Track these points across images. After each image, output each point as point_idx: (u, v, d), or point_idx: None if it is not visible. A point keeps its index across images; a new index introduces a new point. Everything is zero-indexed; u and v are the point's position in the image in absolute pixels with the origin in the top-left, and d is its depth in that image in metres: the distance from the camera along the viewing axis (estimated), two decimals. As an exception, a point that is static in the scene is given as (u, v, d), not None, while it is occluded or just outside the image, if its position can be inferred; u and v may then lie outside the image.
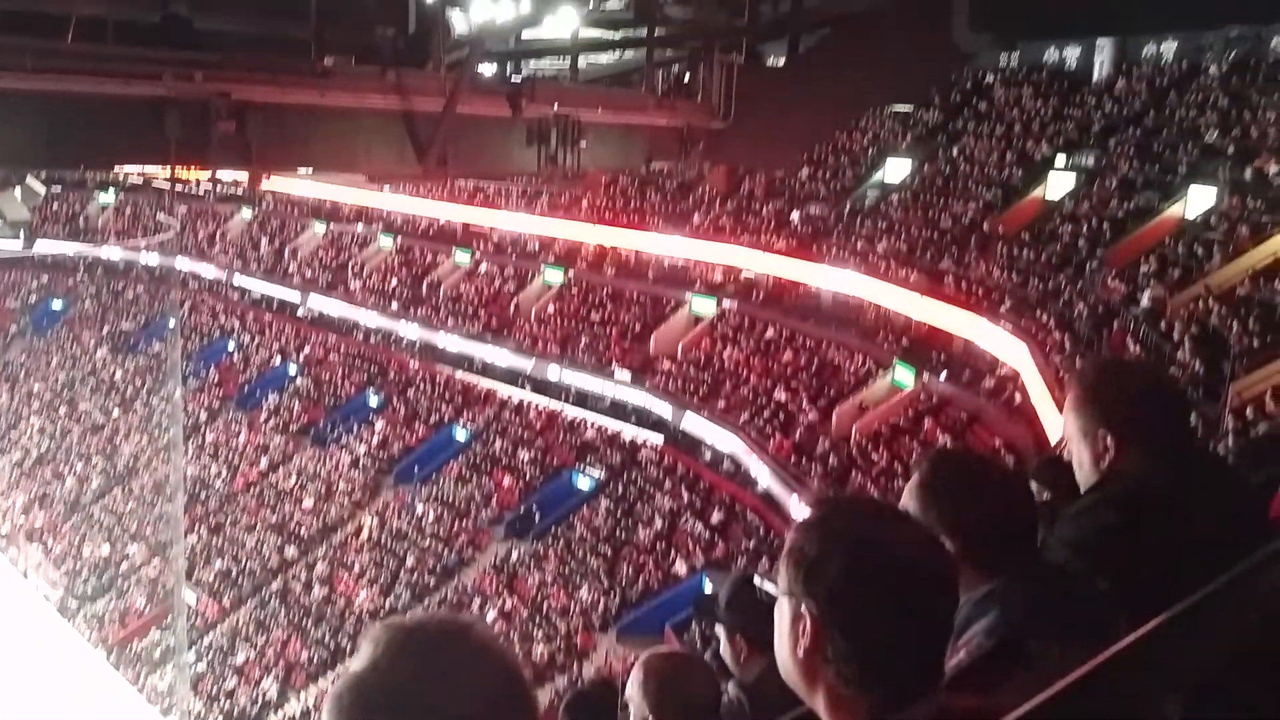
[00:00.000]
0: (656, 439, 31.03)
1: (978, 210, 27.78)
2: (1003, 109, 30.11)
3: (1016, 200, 27.20)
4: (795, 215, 31.99)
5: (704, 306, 33.45)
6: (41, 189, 12.30)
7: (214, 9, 8.07)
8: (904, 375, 26.22)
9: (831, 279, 29.21)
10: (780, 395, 29.01)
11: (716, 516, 27.51)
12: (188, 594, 31.05)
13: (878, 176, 31.31)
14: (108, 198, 51.63)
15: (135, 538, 36.18)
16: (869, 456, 25.16)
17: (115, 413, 43.63)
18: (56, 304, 51.09)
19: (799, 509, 23.08)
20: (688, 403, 30.70)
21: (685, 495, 28.91)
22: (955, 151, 30.05)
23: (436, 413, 37.15)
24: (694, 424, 30.01)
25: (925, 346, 26.53)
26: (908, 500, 2.04)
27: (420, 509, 33.10)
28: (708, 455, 29.48)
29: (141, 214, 51.78)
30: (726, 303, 32.97)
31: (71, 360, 47.68)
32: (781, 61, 10.04)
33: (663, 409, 31.12)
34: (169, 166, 7.58)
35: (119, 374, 45.90)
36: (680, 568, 26.56)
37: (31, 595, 33.73)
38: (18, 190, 11.54)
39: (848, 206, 31.21)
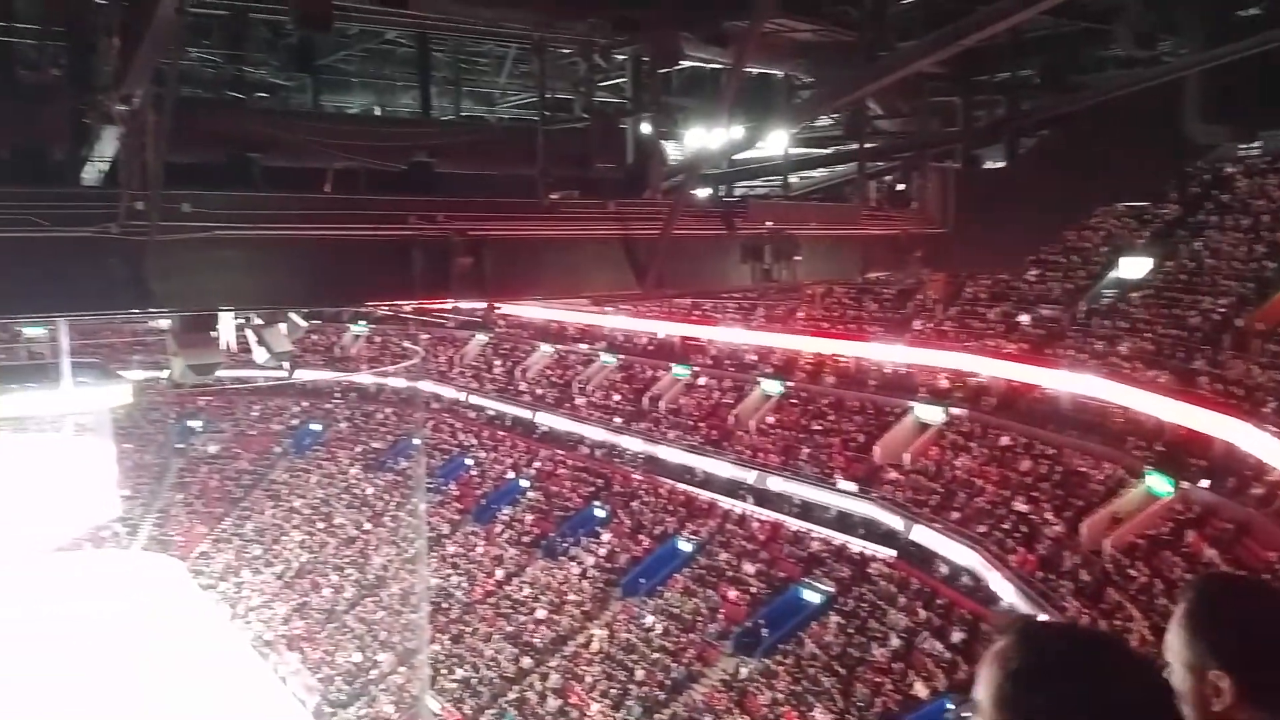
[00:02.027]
0: (887, 552, 29.87)
1: (1229, 305, 25.74)
2: (1247, 200, 28.05)
3: (1272, 293, 24.99)
4: (1025, 318, 30.67)
5: (930, 414, 32.32)
6: (303, 323, 13.48)
7: (452, 156, 8.75)
8: (1159, 483, 24.17)
9: (1070, 382, 27.60)
10: (1021, 506, 27.36)
11: (957, 635, 25.91)
12: (431, 702, 32.21)
13: (1114, 275, 29.64)
14: (359, 329, 56.51)
15: (384, 646, 38.10)
16: (1126, 572, 23.15)
17: (367, 526, 46.68)
18: (315, 426, 55.77)
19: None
20: (919, 514, 29.46)
21: (921, 612, 27.49)
22: (1198, 246, 28.16)
23: (660, 525, 37.44)
24: (927, 537, 28.68)
25: (1181, 452, 24.40)
26: (1173, 630, 1.86)
27: (648, 621, 33.14)
28: (944, 569, 28.02)
29: (389, 343, 56.24)
30: (955, 410, 31.73)
31: (328, 478, 51.66)
32: (1001, 164, 9.80)
33: (892, 521, 30.00)
34: (414, 301, 8.28)
35: (370, 490, 49.27)
36: (920, 690, 25.07)
37: (289, 701, 35.97)
38: (283, 325, 12.70)
39: (1083, 307, 29.64)
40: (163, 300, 7.19)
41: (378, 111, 11.55)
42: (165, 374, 12.51)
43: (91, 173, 6.46)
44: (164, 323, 12.29)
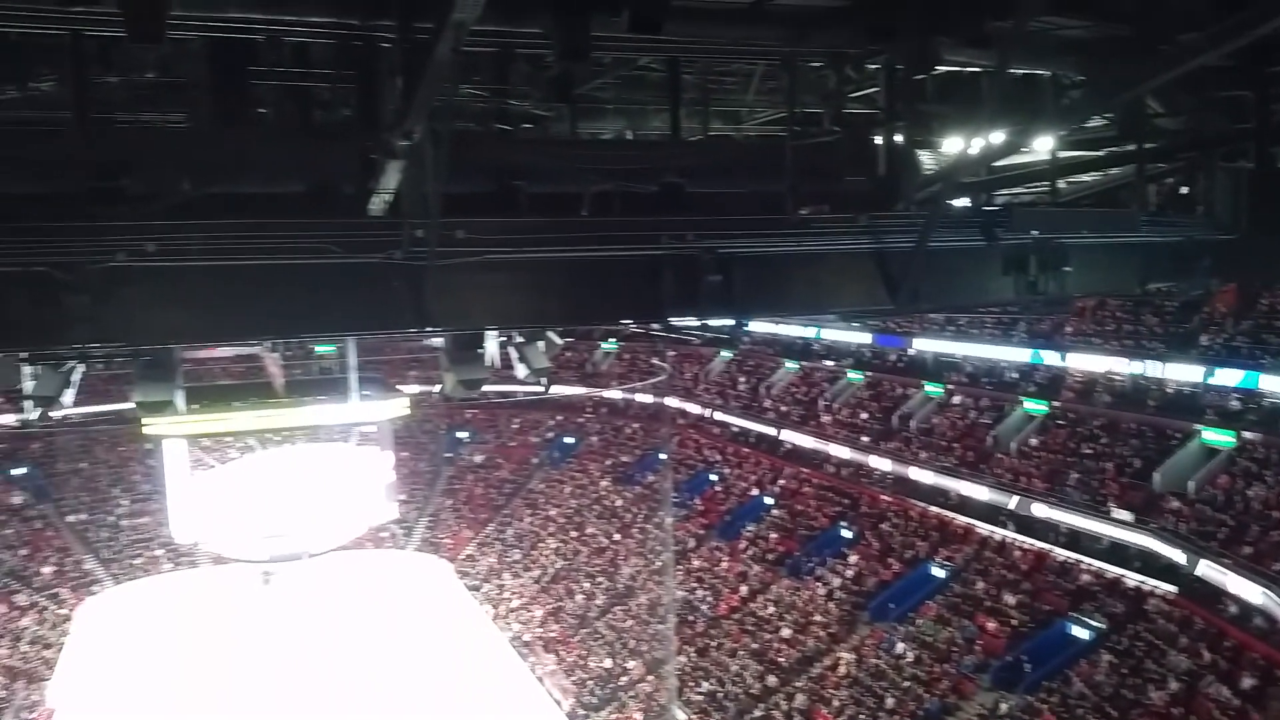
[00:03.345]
0: (1167, 588, 27.37)
1: None
2: None
3: None
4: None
5: (1219, 438, 29.35)
6: (559, 341, 14.13)
7: (701, 175, 8.86)
8: None
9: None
10: (1328, 542, 24.31)
11: (1248, 681, 23.32)
12: (679, 713, 32.64)
13: None
14: (610, 346, 58.43)
15: (633, 654, 39.00)
16: None
17: (616, 536, 48.07)
18: (569, 439, 58.06)
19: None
20: (1205, 547, 26.77)
21: (1206, 654, 24.95)
22: None
23: (911, 549, 36.15)
24: (1214, 572, 26.01)
25: None
26: None
27: (899, 648, 32.04)
28: (1233, 609, 25.32)
29: (637, 359, 57.79)
30: (1248, 434, 28.65)
31: (580, 489, 53.65)
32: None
33: (1174, 554, 27.43)
34: (663, 319, 8.45)
35: (619, 502, 50.74)
36: (1204, 742, 22.77)
37: (545, 701, 37.51)
38: (542, 343, 13.33)
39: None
40: (439, 320, 7.72)
41: (630, 135, 11.89)
42: (438, 388, 13.42)
43: (377, 204, 7.04)
44: (437, 341, 13.22)
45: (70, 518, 50.85)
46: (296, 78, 8.53)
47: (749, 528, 43.29)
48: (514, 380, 13.81)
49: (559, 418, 58.82)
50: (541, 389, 13.52)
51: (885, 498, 39.13)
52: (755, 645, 36.03)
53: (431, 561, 51.65)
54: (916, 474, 37.63)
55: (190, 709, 34.83)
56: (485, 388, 11.99)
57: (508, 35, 6.92)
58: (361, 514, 32.97)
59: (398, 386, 30.28)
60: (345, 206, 7.40)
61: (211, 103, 7.75)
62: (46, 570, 47.20)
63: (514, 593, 47.36)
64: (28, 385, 11.07)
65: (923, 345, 40.72)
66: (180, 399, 12.10)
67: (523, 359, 12.89)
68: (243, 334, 9.39)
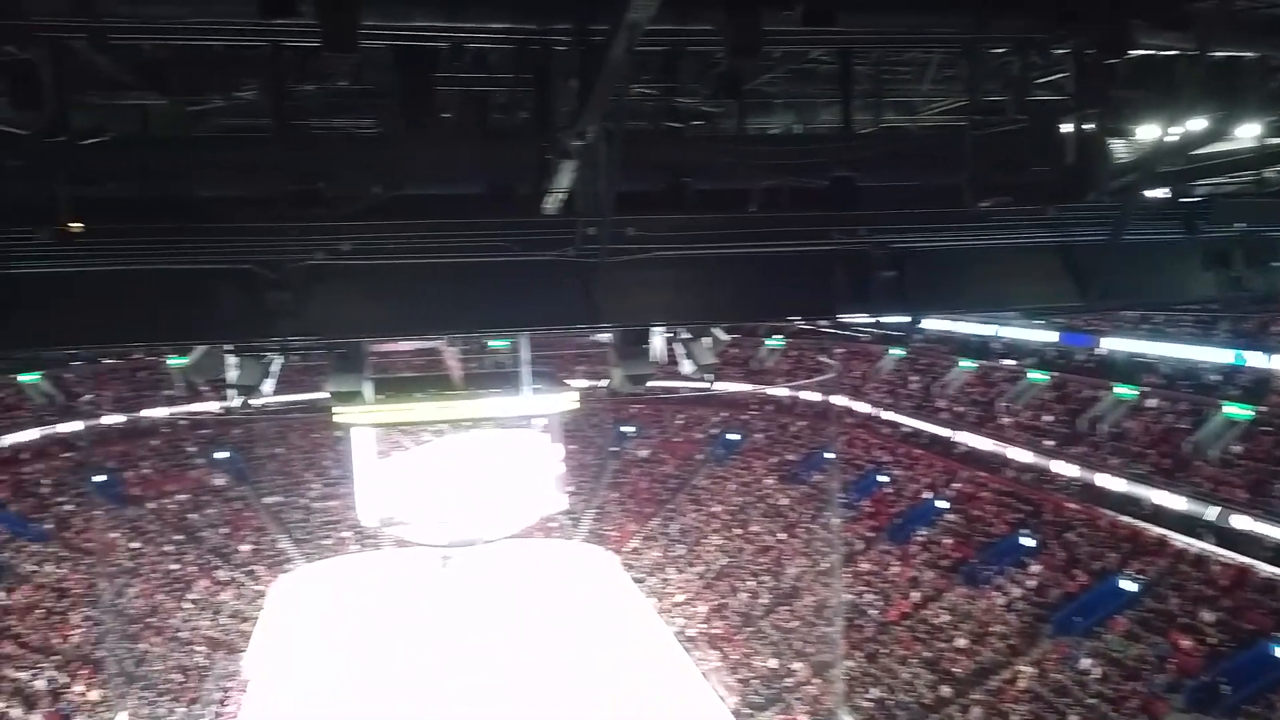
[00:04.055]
0: (1391, 612, 24.96)
1: None
2: None
3: None
4: None
5: None
6: (725, 337, 14.15)
7: (874, 168, 8.66)
8: None
9: None
10: None
11: None
12: (846, 718, 32.10)
13: None
14: (775, 343, 57.86)
15: (799, 655, 38.59)
16: None
17: (781, 535, 47.66)
18: (733, 436, 57.88)
19: None
20: None
21: None
22: None
23: (1099, 560, 34.29)
24: None
25: None
26: None
27: (1084, 664, 30.46)
28: None
29: (804, 356, 57.04)
30: None
31: (745, 486, 53.45)
32: None
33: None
34: (833, 316, 8.31)
35: (784, 500, 50.28)
36: None
37: (710, 697, 37.59)
38: (708, 340, 13.39)
39: None
40: (609, 316, 7.87)
41: (799, 130, 11.75)
42: (605, 383, 13.67)
43: (551, 203, 7.23)
44: (605, 337, 13.48)
45: (267, 499, 54.55)
46: (476, 83, 8.85)
47: (921, 532, 42.06)
48: (679, 376, 13.91)
49: (724, 414, 58.77)
50: (707, 385, 13.59)
51: (1071, 505, 37.24)
52: (928, 653, 34.99)
53: (598, 553, 52.63)
54: (1105, 481, 35.62)
55: (370, 682, 36.82)
56: (651, 383, 12.13)
57: (678, 33, 6.96)
58: (533, 504, 33.94)
59: (567, 381, 31.03)
60: (521, 206, 7.65)
61: (399, 109, 8.15)
62: (245, 548, 50.83)
63: (678, 587, 47.68)
64: (231, 375, 11.91)
65: (1113, 344, 38.44)
66: (368, 389, 12.78)
67: (689, 355, 12.97)
68: (427, 328, 9.84)
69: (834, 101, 10.36)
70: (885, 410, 49.45)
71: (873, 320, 47.21)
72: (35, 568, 42.34)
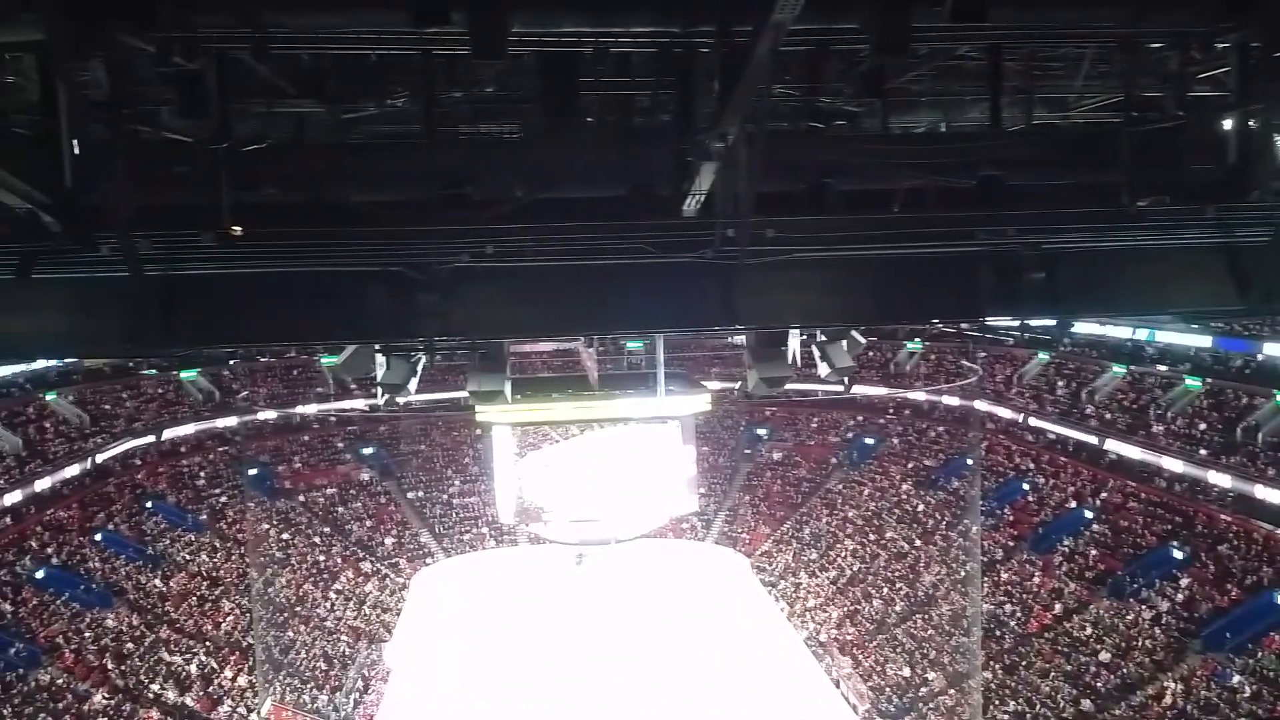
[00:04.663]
0: None
1: None
2: None
3: None
4: None
5: None
6: (862, 340, 13.89)
7: (1023, 167, 8.39)
8: None
9: None
10: None
11: None
12: (982, 731, 31.19)
13: None
14: (914, 346, 56.46)
15: (934, 665, 37.63)
16: None
17: (917, 543, 46.52)
18: (869, 440, 56.84)
19: None
20: None
21: None
22: None
23: (1253, 574, 32.32)
24: None
25: None
26: None
27: (1235, 681, 28.77)
28: None
29: (944, 360, 55.49)
30: None
31: (880, 491, 52.40)
32: None
33: None
34: (978, 319, 8.07)
35: (921, 507, 49.05)
36: None
37: (840, 704, 37.03)
38: (845, 342, 13.18)
39: None
40: (746, 318, 7.85)
41: (944, 128, 11.47)
42: (738, 385, 13.65)
43: (691, 205, 7.27)
44: (739, 339, 13.45)
45: (410, 494, 56.54)
46: (618, 86, 8.98)
47: (1065, 542, 40.40)
48: (815, 379, 13.75)
49: (859, 418, 57.78)
50: (843, 388, 13.39)
51: (1225, 517, 35.18)
52: (1069, 667, 33.62)
53: (729, 555, 52.51)
54: (1263, 493, 33.51)
55: (502, 675, 37.71)
56: (786, 386, 12.04)
57: (822, 32, 6.90)
58: (665, 504, 34.10)
59: (701, 382, 31.06)
60: (660, 208, 7.71)
61: (542, 113, 8.33)
62: (388, 541, 52.81)
63: (810, 592, 47.13)
64: (379, 373, 12.39)
65: (1275, 350, 36.08)
66: (508, 389, 13.07)
67: (825, 358, 12.79)
68: (568, 329, 10.04)
69: (982, 98, 10.08)
70: (1030, 416, 47.66)
71: (1019, 323, 45.63)
72: (190, 556, 44.95)
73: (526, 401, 23.41)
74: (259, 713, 35.29)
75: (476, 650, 40.39)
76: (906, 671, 38.10)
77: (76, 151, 5.93)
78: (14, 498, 39.09)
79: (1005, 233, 7.54)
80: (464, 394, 12.88)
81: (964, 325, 43.59)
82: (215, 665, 37.87)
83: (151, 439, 48.91)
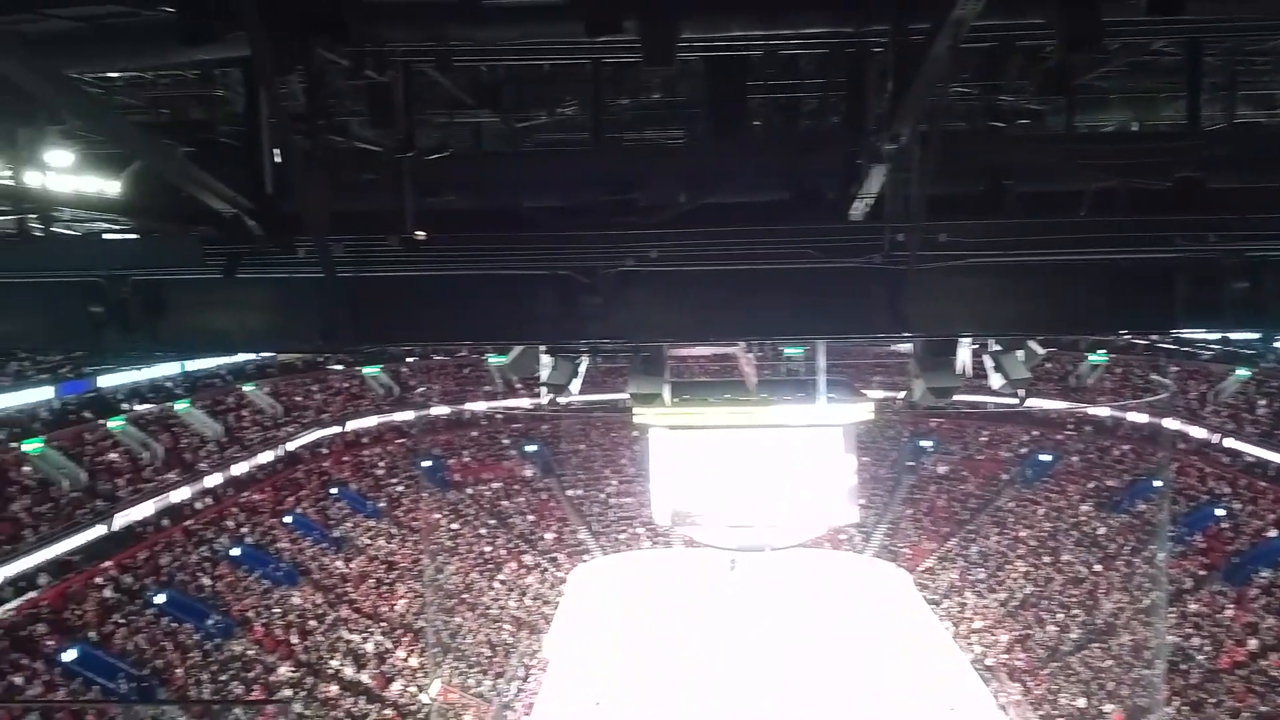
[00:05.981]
0: None
1: None
2: None
3: None
4: None
5: None
6: (1040, 351, 13.23)
7: (1226, 169, 7.80)
8: None
9: None
10: None
11: None
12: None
13: None
14: (1098, 358, 53.34)
15: (1112, 697, 35.52)
16: None
17: (1097, 567, 43.98)
18: (1045, 457, 54.05)
19: None
20: None
21: None
22: None
23: None
24: None
25: None
26: None
27: None
28: None
29: (1130, 374, 52.24)
30: None
31: (1056, 511, 49.79)
32: None
33: None
34: (1173, 331, 7.50)
35: (1102, 530, 46.35)
36: None
37: (1008, 732, 35.49)
38: (1021, 352, 12.58)
39: None
40: (916, 325, 7.61)
41: (1135, 127, 10.82)
42: (903, 394, 13.25)
43: (858, 209, 7.08)
44: (905, 347, 13.04)
45: (570, 492, 57.76)
46: (786, 89, 8.86)
47: (1264, 573, 37.34)
48: (987, 390, 13.20)
49: (1034, 433, 55.13)
50: (1017, 401, 12.79)
51: None
52: (1265, 708, 31.06)
53: (890, 570, 51.12)
54: None
55: (655, 674, 37.96)
56: (955, 397, 11.59)
57: (1005, 28, 6.60)
58: (824, 514, 33.52)
59: (863, 390, 30.36)
60: (826, 212, 7.55)
61: (709, 119, 8.31)
62: (549, 536, 54.11)
63: (977, 613, 45.29)
64: (544, 374, 12.68)
65: None
66: (667, 392, 13.14)
67: (998, 368, 12.25)
68: (729, 334, 9.99)
69: (1178, 96, 9.45)
70: (1226, 437, 44.29)
71: (1217, 336, 42.29)
72: (369, 541, 47.50)
73: (684, 405, 23.46)
74: (428, 692, 36.76)
75: (630, 648, 40.81)
76: (1081, 702, 36.07)
77: (277, 160, 6.31)
78: (215, 480, 42.32)
79: (1205, 239, 7.03)
80: (624, 396, 13.03)
81: (1154, 337, 40.91)
82: (389, 645, 39.82)
83: (337, 429, 52.08)
